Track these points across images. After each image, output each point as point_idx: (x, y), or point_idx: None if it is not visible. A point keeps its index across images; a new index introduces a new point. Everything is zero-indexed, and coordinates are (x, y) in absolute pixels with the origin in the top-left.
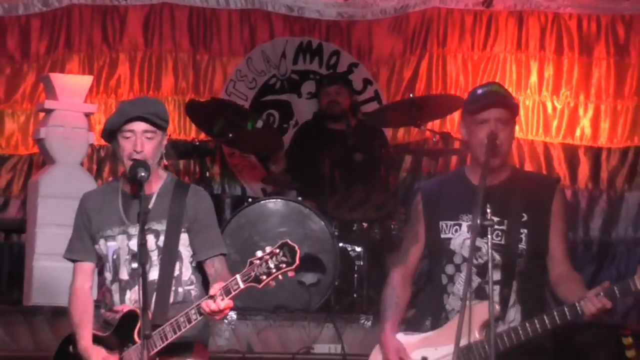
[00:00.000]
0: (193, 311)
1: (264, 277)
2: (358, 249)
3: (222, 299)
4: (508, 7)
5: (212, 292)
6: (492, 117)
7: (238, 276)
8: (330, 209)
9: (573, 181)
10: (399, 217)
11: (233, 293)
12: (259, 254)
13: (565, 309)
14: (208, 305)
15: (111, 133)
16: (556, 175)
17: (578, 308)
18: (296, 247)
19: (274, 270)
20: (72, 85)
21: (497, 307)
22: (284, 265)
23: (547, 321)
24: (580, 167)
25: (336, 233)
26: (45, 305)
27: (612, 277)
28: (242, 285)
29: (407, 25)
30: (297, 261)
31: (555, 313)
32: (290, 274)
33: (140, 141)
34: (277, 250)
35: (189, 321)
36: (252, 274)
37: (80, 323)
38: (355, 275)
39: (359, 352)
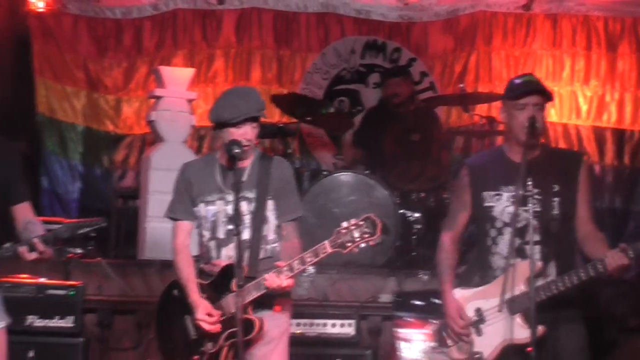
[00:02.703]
0: (262, 283)
1: (349, 244)
2: (416, 214)
3: (287, 277)
4: (544, 10)
5: (281, 268)
6: (530, 102)
7: (326, 242)
8: (392, 181)
9: (601, 158)
10: (450, 188)
11: (321, 256)
12: (345, 224)
13: (594, 264)
14: (273, 280)
15: (225, 124)
16: (587, 153)
17: (601, 264)
18: (377, 221)
19: (357, 239)
20: (177, 76)
21: (539, 264)
22: (366, 236)
23: (579, 275)
24: (607, 147)
25: (397, 201)
26: (156, 259)
27: (632, 242)
28: (329, 250)
29: (458, 26)
30: (379, 233)
31: (585, 268)
32: (371, 243)
33: (250, 133)
34: (362, 222)
35: (260, 289)
36: (339, 240)
37: (189, 278)
38: (414, 237)
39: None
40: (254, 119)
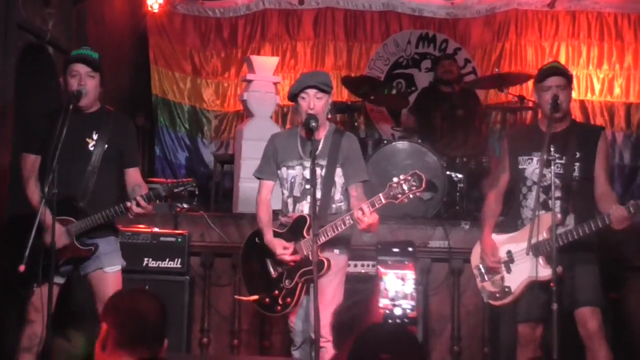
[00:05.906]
0: (347, 217)
1: (400, 195)
2: (460, 175)
3: (371, 213)
4: (565, 8)
5: (362, 206)
6: (553, 84)
7: (381, 195)
8: (440, 148)
9: (612, 125)
10: (488, 154)
11: (377, 206)
12: (395, 179)
13: (602, 217)
14: (358, 214)
15: (294, 95)
16: (600, 122)
17: (607, 217)
18: (423, 176)
19: (407, 191)
20: (265, 64)
21: (559, 216)
22: (414, 188)
23: (590, 225)
24: (616, 116)
25: (445, 164)
26: (247, 212)
27: (638, 192)
28: (383, 201)
29: (495, 21)
30: (424, 185)
31: (595, 220)
32: (419, 194)
33: (313, 101)
34: (409, 177)
35: (345, 224)
36: (391, 193)
37: (266, 224)
38: (458, 194)
39: (460, 247)
40: (318, 91)
